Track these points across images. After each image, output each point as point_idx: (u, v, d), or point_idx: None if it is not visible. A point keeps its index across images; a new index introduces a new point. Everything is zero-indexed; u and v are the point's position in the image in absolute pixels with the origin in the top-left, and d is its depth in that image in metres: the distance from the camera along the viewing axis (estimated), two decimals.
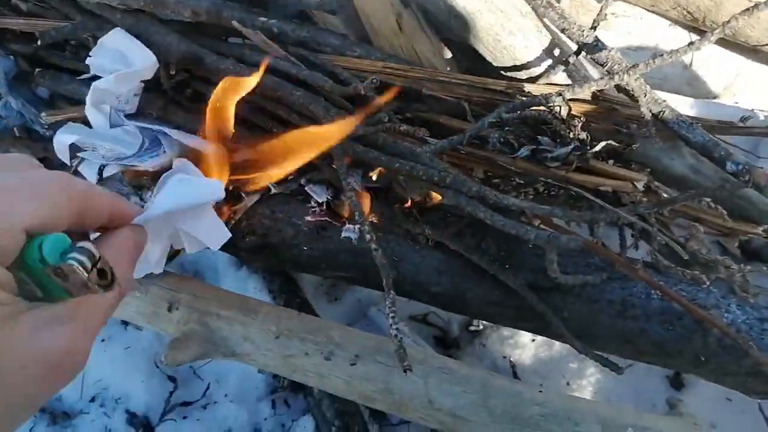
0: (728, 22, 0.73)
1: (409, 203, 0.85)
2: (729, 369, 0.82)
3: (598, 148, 0.80)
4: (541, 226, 0.85)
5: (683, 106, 1.14)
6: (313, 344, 0.76)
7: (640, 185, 0.86)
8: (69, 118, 0.91)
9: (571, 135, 0.80)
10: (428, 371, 0.73)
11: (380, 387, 0.73)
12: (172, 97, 0.90)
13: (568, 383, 1.26)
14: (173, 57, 0.83)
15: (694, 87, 1.19)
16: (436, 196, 0.84)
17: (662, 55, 0.76)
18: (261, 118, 0.88)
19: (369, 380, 0.73)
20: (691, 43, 0.74)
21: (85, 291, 0.34)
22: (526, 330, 0.89)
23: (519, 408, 0.70)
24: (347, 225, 0.86)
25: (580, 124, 0.80)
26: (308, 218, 0.86)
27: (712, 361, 0.82)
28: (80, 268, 0.34)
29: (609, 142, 0.80)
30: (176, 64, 0.84)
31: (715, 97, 1.21)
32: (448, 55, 0.97)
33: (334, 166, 0.76)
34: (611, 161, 0.91)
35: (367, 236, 0.70)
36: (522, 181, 0.89)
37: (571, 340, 0.78)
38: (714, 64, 1.20)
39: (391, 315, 0.65)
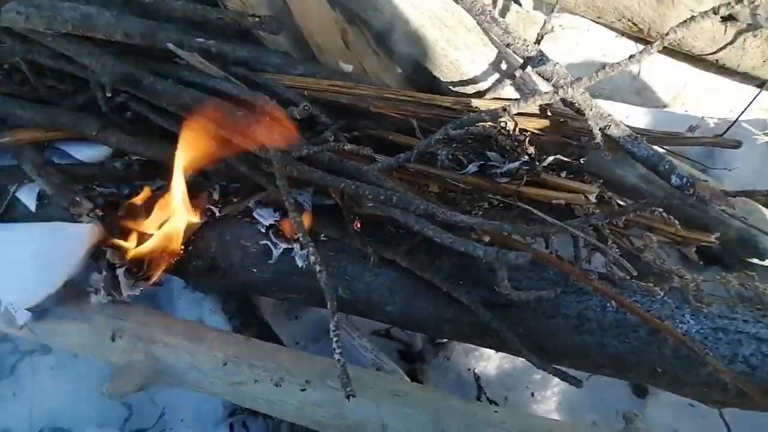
0: (667, 33, 0.73)
1: (358, 223, 0.83)
2: (686, 379, 0.82)
3: (546, 162, 0.79)
4: (492, 241, 0.83)
5: (634, 115, 1.14)
6: (262, 370, 0.74)
7: (592, 197, 0.86)
8: None
9: (519, 150, 0.79)
10: (380, 394, 0.71)
11: (332, 412, 0.71)
12: (112, 119, 0.87)
13: (533, 394, 1.25)
14: (108, 78, 0.81)
15: (644, 96, 1.20)
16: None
17: (605, 68, 0.76)
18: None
19: (320, 406, 0.71)
20: (632, 56, 0.74)
21: None
22: (483, 346, 0.88)
23: (473, 429, 0.68)
24: (296, 250, 0.83)
25: (527, 139, 0.79)
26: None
27: (669, 372, 0.82)
28: None
29: (557, 156, 0.79)
30: (111, 85, 0.81)
31: (664, 106, 1.22)
32: (398, 71, 0.95)
33: (277, 185, 0.74)
34: (563, 173, 0.90)
35: (312, 258, 0.68)
36: (475, 196, 0.88)
37: (528, 355, 0.77)
38: (662, 74, 1.21)
39: (335, 339, 0.63)
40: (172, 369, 0.76)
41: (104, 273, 0.81)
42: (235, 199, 0.88)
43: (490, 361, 1.30)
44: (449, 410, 0.70)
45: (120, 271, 0.81)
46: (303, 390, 0.71)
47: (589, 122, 0.79)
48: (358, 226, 0.84)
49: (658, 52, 0.81)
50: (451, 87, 0.91)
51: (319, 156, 0.80)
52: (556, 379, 1.28)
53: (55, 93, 0.91)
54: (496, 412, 0.71)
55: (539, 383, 1.27)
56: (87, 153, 0.93)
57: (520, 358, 1.31)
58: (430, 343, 1.32)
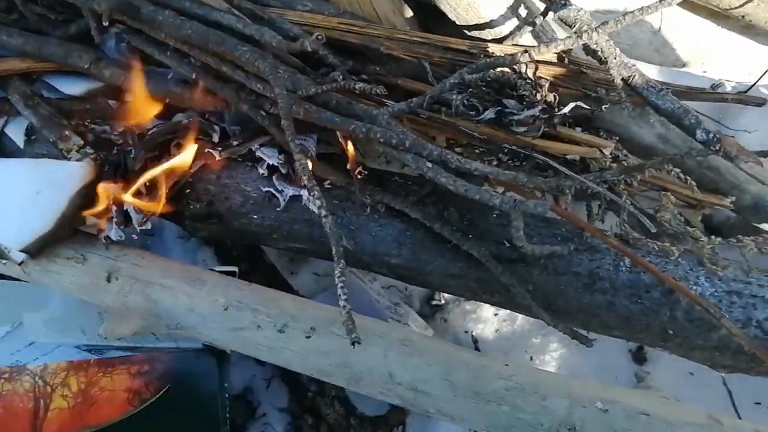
0: None
1: (360, 168, 0.79)
2: (696, 343, 0.80)
3: (566, 109, 0.75)
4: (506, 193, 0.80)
5: (651, 73, 1.10)
6: (265, 316, 0.70)
7: (607, 151, 0.82)
8: None
9: (538, 97, 0.75)
10: (388, 344, 0.68)
11: (337, 361, 0.68)
12: (104, 52, 0.82)
13: (531, 358, 1.24)
14: (104, 6, 0.75)
15: (663, 54, 1.15)
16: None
17: (633, 11, 0.72)
18: (205, 77, 0.80)
19: (325, 354, 0.68)
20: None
21: None
22: (489, 303, 0.85)
23: (483, 381, 0.66)
24: (305, 196, 0.80)
25: (548, 84, 0.75)
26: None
27: (680, 335, 0.80)
28: None
29: (578, 103, 0.75)
30: (108, 13, 0.76)
31: (683, 65, 1.18)
32: (409, 13, 0.91)
33: (282, 126, 0.69)
34: (578, 129, 0.87)
35: (317, 202, 0.64)
36: (485, 149, 0.84)
37: (537, 311, 0.74)
38: (684, 31, 1.16)
39: (340, 285, 0.59)
40: (170, 312, 0.72)
41: (114, 209, 0.77)
42: (236, 143, 0.84)
43: (487, 324, 1.29)
44: (459, 361, 0.67)
45: (130, 207, 0.77)
46: (308, 337, 0.68)
47: (612, 71, 0.75)
48: (361, 174, 0.80)
49: (681, 6, 0.78)
50: (467, 32, 0.86)
51: (326, 97, 0.75)
52: (555, 344, 1.28)
53: (45, 22, 0.85)
54: (506, 365, 0.68)
55: (538, 347, 1.25)
56: (77, 88, 0.87)
57: (518, 322, 1.31)
58: (427, 305, 1.30)
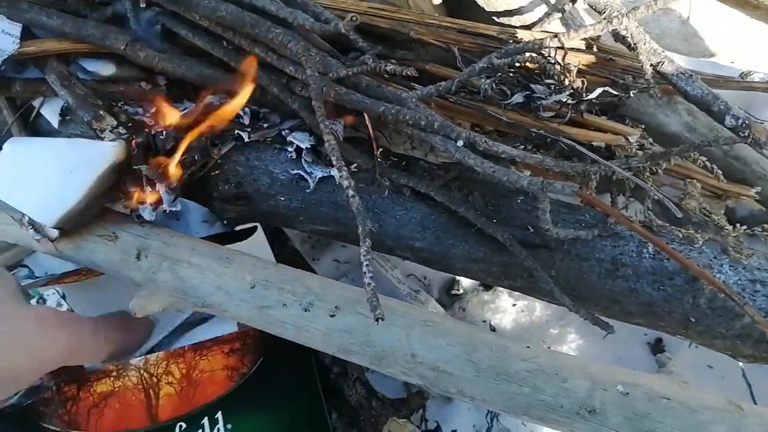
0: None
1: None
2: (718, 331, 0.80)
3: (594, 94, 0.75)
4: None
5: (679, 63, 1.10)
6: (291, 295, 0.72)
7: (633, 139, 0.82)
8: None
9: (566, 82, 0.76)
10: (411, 323, 0.69)
11: (360, 339, 0.69)
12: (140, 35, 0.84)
13: (548, 348, 1.24)
14: None
15: (691, 44, 1.15)
16: None
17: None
18: (236, 58, 0.82)
19: (349, 332, 0.69)
20: None
21: None
22: (511, 288, 0.86)
23: (505, 363, 0.66)
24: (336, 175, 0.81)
25: (576, 70, 0.75)
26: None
27: (702, 323, 0.80)
28: None
29: (606, 88, 0.75)
30: None
31: (711, 56, 1.17)
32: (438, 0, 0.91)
33: (313, 107, 0.71)
34: (604, 117, 0.87)
35: (345, 182, 0.65)
36: (511, 133, 0.85)
37: (560, 296, 0.74)
38: (713, 20, 1.15)
39: (365, 263, 0.60)
40: (198, 290, 0.74)
41: (148, 189, 0.80)
42: (265, 125, 0.85)
43: (506, 314, 1.29)
44: (481, 343, 0.68)
45: (161, 186, 0.79)
46: (332, 316, 0.69)
47: (641, 57, 0.76)
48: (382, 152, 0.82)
49: None
50: (496, 18, 0.87)
51: (356, 80, 0.77)
52: (573, 335, 1.29)
53: (82, 4, 0.87)
54: (528, 347, 0.69)
55: (555, 338, 1.25)
56: (110, 70, 0.89)
57: (536, 313, 1.32)
58: (446, 295, 1.31)
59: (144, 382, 0.87)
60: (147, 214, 0.84)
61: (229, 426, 0.85)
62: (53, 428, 0.83)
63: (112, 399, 0.86)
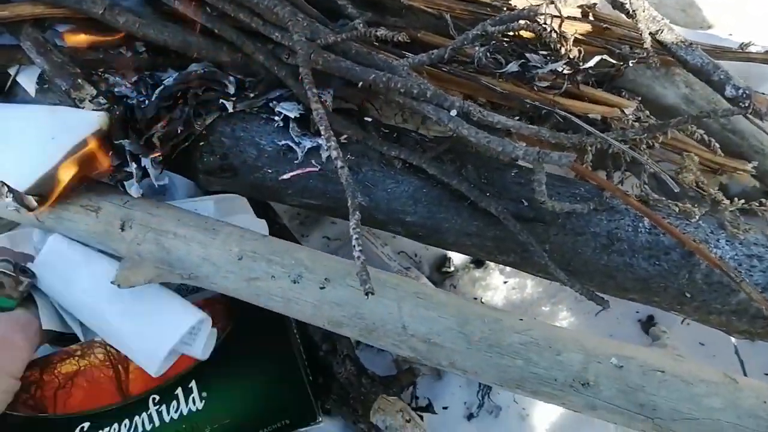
0: None
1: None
2: (714, 307, 0.79)
3: (591, 63, 0.73)
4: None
5: None
6: (279, 266, 0.70)
7: (629, 111, 0.80)
8: None
9: (562, 51, 0.73)
10: (402, 296, 0.67)
11: (351, 312, 0.67)
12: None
13: (542, 321, 1.23)
14: None
15: (689, 15, 1.13)
16: None
17: None
18: (220, 26, 0.79)
19: (339, 305, 0.67)
20: None
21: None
22: (505, 264, 0.84)
23: (498, 335, 0.65)
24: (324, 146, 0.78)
25: (572, 38, 0.73)
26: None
27: (698, 298, 0.79)
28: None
29: (603, 57, 0.73)
30: None
31: (709, 27, 1.15)
32: None
33: (300, 75, 0.68)
34: (600, 89, 0.85)
35: (333, 152, 0.63)
36: (506, 105, 0.82)
37: (555, 271, 0.73)
38: None
39: (355, 237, 0.58)
40: (184, 261, 0.72)
41: (132, 164, 0.77)
42: (252, 95, 0.82)
43: (497, 292, 1.28)
44: (474, 315, 0.66)
45: (146, 161, 0.77)
46: (322, 288, 0.67)
47: (640, 25, 0.73)
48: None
49: None
50: None
51: (345, 46, 0.74)
52: (565, 312, 1.28)
53: None
54: (521, 319, 0.67)
55: (547, 315, 1.25)
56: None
57: (527, 290, 1.31)
58: (437, 272, 1.29)
59: (111, 358, 0.84)
60: (134, 191, 0.81)
61: (204, 394, 0.83)
62: (18, 414, 0.81)
63: (79, 378, 0.83)
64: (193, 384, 0.84)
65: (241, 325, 0.87)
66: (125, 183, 0.83)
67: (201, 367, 0.84)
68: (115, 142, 0.79)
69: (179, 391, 0.84)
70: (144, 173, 0.81)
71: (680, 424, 0.63)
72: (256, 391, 0.85)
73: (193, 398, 0.83)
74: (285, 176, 0.80)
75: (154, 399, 0.83)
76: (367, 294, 0.58)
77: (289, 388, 0.86)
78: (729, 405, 0.63)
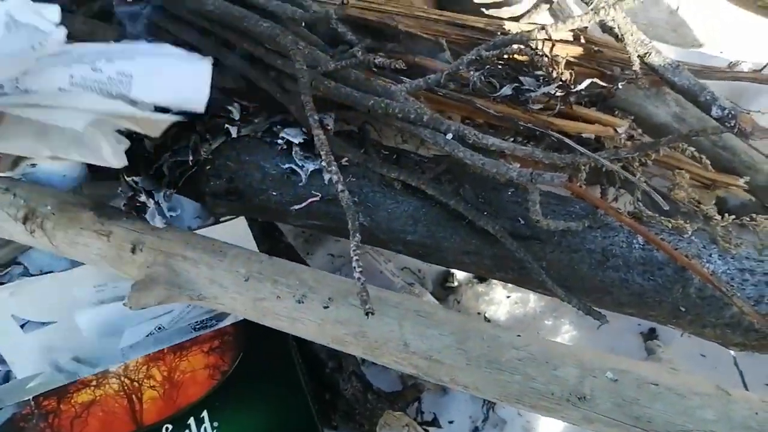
0: None
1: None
2: (708, 320, 0.81)
3: (582, 86, 0.76)
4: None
5: (668, 54, 1.10)
6: (285, 287, 0.72)
7: (621, 130, 0.83)
8: None
9: (554, 74, 0.76)
10: (404, 314, 0.69)
11: (354, 330, 0.69)
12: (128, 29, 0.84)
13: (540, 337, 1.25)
14: None
15: (680, 34, 1.15)
16: None
17: None
18: (224, 54, 0.82)
19: (342, 323, 0.69)
20: None
21: None
22: (504, 280, 0.86)
23: (496, 351, 0.67)
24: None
25: (564, 62, 0.75)
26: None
27: (692, 312, 0.80)
28: None
29: (594, 80, 0.76)
30: None
31: (700, 46, 1.18)
32: None
33: (301, 101, 0.71)
34: (593, 108, 0.88)
35: (334, 177, 0.66)
36: (501, 126, 0.85)
37: (552, 287, 0.75)
38: (701, 11, 1.16)
39: (355, 258, 0.61)
40: (193, 283, 0.74)
41: (150, 201, 0.81)
42: (255, 120, 0.85)
43: (500, 306, 1.29)
44: (473, 332, 0.68)
45: (158, 196, 0.83)
46: (326, 307, 0.70)
47: (628, 48, 0.76)
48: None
49: None
50: (485, 10, 0.87)
51: (345, 73, 0.77)
52: (567, 326, 1.29)
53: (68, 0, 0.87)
54: (519, 336, 0.69)
55: (549, 330, 1.26)
56: None
57: (530, 304, 1.32)
58: (440, 287, 1.31)
59: (125, 388, 0.87)
60: (158, 222, 0.85)
61: (215, 424, 0.86)
62: None
63: (95, 408, 0.86)
64: (204, 414, 0.87)
65: (250, 355, 0.90)
66: (147, 215, 0.88)
67: (212, 396, 0.87)
68: (127, 178, 0.83)
69: (191, 420, 0.86)
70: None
71: None
72: (265, 418, 0.88)
73: (205, 428, 0.86)
74: (294, 207, 0.83)
75: (167, 428, 0.86)
76: (367, 314, 0.60)
77: (296, 415, 0.89)
78: (722, 417, 0.64)
